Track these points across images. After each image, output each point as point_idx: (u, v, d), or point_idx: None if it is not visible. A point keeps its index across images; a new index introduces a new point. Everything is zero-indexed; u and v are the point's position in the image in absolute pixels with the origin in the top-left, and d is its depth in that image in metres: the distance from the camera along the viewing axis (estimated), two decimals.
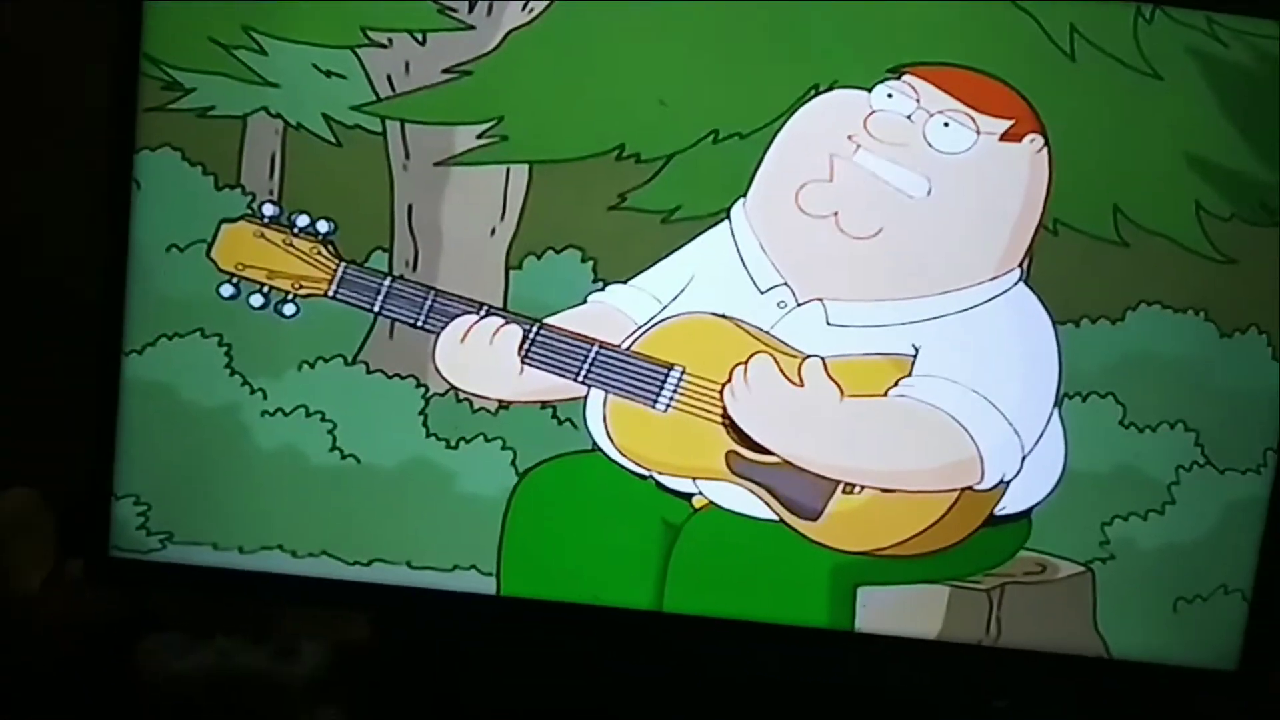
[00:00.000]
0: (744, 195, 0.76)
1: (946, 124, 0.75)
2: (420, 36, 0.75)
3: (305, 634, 0.86)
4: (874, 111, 0.75)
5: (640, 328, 0.77)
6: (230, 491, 0.78)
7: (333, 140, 0.75)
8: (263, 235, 0.76)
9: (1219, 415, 0.78)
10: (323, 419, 0.77)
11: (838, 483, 0.77)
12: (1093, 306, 0.77)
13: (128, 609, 0.85)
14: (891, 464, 0.77)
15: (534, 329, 0.76)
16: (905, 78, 0.75)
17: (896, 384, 0.76)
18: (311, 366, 0.77)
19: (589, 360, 0.76)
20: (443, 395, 0.77)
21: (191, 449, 0.77)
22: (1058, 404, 0.77)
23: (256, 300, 0.76)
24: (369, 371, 0.77)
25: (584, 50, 0.75)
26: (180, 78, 0.75)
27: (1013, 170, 0.76)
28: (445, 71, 0.75)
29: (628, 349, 0.77)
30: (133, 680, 0.83)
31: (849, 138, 0.75)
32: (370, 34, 0.75)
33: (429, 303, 0.76)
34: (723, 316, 0.77)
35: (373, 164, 0.75)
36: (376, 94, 0.75)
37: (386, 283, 0.76)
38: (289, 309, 0.76)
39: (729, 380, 0.76)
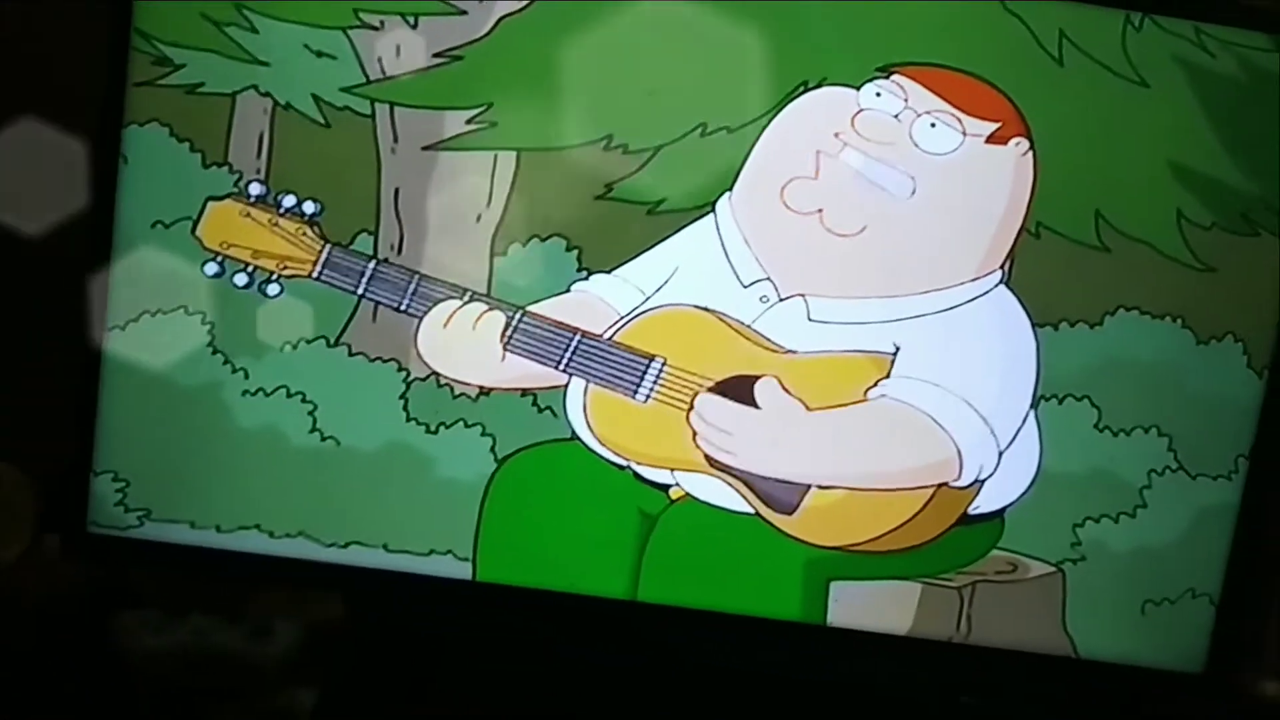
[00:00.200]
0: (730, 189, 0.76)
1: (933, 124, 0.75)
2: (412, 20, 0.75)
3: (281, 614, 0.86)
4: (862, 110, 0.75)
5: (623, 318, 0.77)
6: (209, 470, 0.78)
7: (321, 121, 0.75)
8: (248, 214, 0.76)
9: (1193, 421, 0.79)
10: (303, 400, 0.77)
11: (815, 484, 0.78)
12: (1072, 310, 0.77)
13: (104, 585, 0.86)
14: (867, 466, 0.78)
15: (517, 316, 0.76)
16: (894, 77, 0.75)
17: (876, 384, 0.77)
18: (294, 347, 0.77)
19: (571, 349, 0.77)
20: (424, 380, 0.77)
21: (172, 427, 0.77)
22: (1034, 405, 0.78)
23: (240, 279, 0.76)
24: (351, 354, 0.77)
25: (574, 39, 0.75)
26: (170, 53, 0.75)
27: (997, 172, 0.76)
28: (436, 56, 0.75)
29: (610, 339, 0.77)
30: (107, 656, 0.84)
31: (836, 135, 0.75)
32: (362, 16, 0.75)
33: (413, 287, 0.76)
34: (705, 309, 0.77)
35: (361, 146, 0.75)
36: (366, 76, 0.75)
37: (371, 265, 0.76)
38: (273, 289, 0.76)
39: (693, 433, 0.76)
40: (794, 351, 0.77)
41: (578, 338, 0.77)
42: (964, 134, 0.75)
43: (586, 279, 0.77)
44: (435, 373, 0.77)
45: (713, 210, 0.76)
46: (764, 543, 0.78)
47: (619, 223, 0.76)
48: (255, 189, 0.76)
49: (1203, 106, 0.76)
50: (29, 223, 0.85)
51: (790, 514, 0.78)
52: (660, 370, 0.77)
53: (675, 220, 0.76)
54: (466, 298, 0.76)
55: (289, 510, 0.78)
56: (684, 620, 0.80)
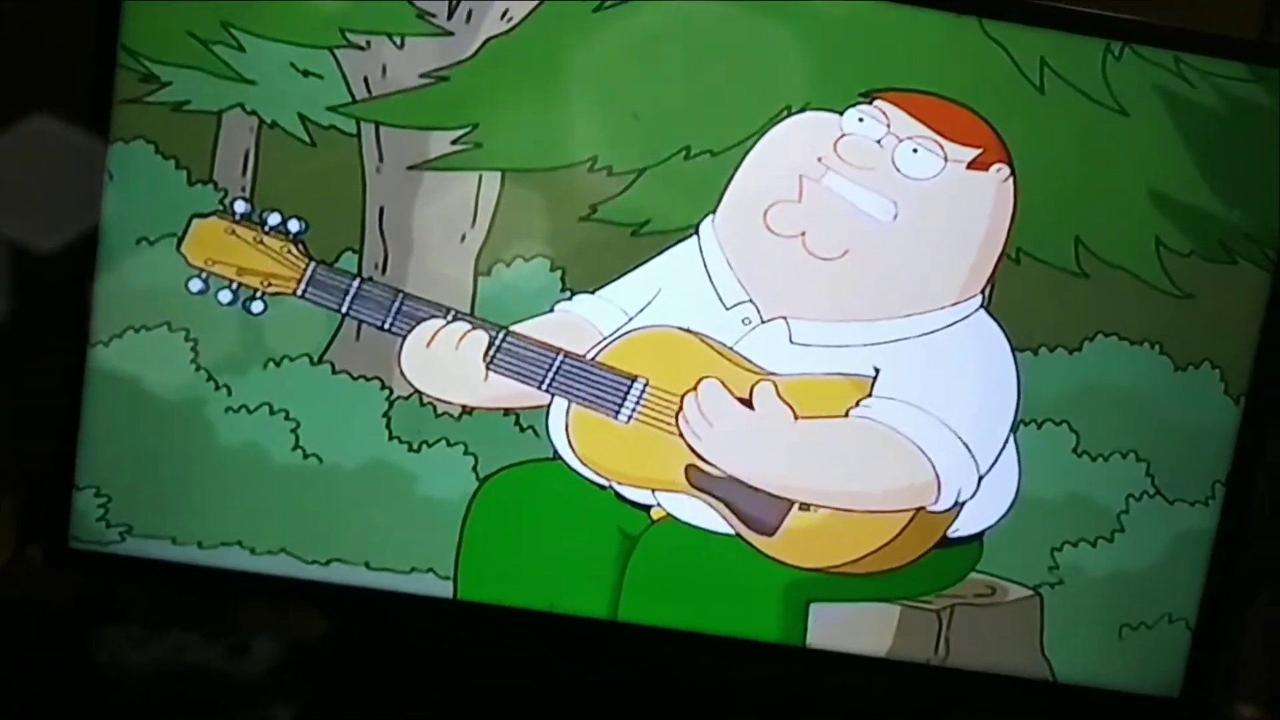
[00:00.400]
0: (713, 212, 0.76)
1: (915, 150, 0.76)
2: (398, 40, 0.75)
3: (261, 631, 0.86)
4: (844, 135, 0.76)
5: (606, 339, 0.77)
6: (191, 487, 0.78)
7: (307, 140, 0.76)
8: (233, 232, 0.76)
9: (1170, 447, 0.79)
10: (286, 417, 0.77)
11: (794, 499, 0.78)
12: (1051, 335, 0.78)
13: (86, 600, 0.85)
14: (847, 484, 0.78)
15: (500, 336, 0.77)
16: (876, 103, 0.76)
17: (857, 404, 0.77)
18: (277, 365, 0.77)
19: (554, 369, 0.77)
20: (406, 398, 0.77)
21: (154, 443, 0.78)
22: (1013, 430, 0.78)
23: (225, 296, 0.76)
24: (334, 372, 0.77)
25: (560, 62, 0.75)
26: (157, 71, 0.75)
27: (978, 198, 0.77)
28: (422, 76, 0.75)
29: (592, 359, 0.77)
30: (86, 671, 0.83)
31: (819, 160, 0.76)
32: (349, 35, 0.75)
33: (396, 305, 0.76)
34: (687, 331, 0.77)
35: (346, 165, 0.76)
36: (353, 95, 0.75)
37: (355, 284, 0.76)
38: (257, 306, 0.76)
39: (680, 409, 0.77)
40: (775, 374, 0.77)
41: (561, 358, 0.77)
42: (945, 160, 0.76)
43: (570, 299, 0.77)
44: (418, 391, 0.77)
45: (696, 232, 0.77)
46: (744, 564, 0.79)
47: (603, 244, 0.76)
48: (240, 207, 0.76)
49: (1182, 135, 0.77)
50: (14, 237, 0.85)
51: (771, 535, 0.79)
52: (642, 391, 0.77)
53: (659, 242, 0.77)
54: (450, 317, 0.77)
55: (271, 527, 0.78)
56: (664, 640, 0.80)
